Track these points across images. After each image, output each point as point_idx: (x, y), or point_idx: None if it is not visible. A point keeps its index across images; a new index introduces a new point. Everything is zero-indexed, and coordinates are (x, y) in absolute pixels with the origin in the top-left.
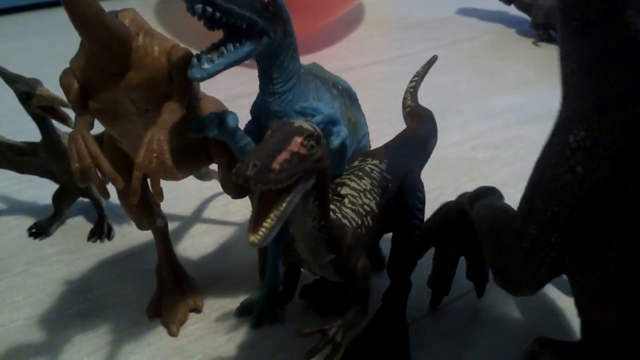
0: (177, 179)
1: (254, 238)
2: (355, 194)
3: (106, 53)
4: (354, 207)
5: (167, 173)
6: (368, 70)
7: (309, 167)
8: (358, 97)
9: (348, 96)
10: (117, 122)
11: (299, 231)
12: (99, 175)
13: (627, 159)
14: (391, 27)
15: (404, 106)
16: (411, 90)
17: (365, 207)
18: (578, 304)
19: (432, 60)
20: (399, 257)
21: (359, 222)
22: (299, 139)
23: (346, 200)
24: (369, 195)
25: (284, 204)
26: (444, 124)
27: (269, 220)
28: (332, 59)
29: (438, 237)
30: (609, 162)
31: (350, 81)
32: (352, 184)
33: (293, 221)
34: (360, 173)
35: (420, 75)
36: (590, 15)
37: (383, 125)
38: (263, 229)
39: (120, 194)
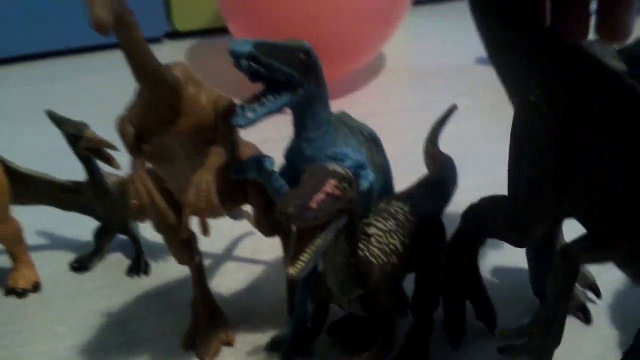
0: (220, 216)
1: (292, 270)
2: (381, 234)
3: (160, 101)
4: (380, 246)
5: (213, 211)
6: (390, 116)
7: (342, 207)
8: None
9: (373, 142)
10: (166, 164)
11: (329, 267)
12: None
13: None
14: (411, 75)
15: (425, 152)
16: (432, 136)
17: (390, 246)
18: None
19: (452, 109)
20: (422, 296)
21: (385, 260)
22: (333, 182)
23: (373, 239)
24: (393, 235)
25: (320, 240)
26: (463, 169)
27: (305, 255)
28: (355, 105)
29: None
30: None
31: (373, 127)
32: (379, 224)
33: (325, 257)
34: (385, 214)
35: (440, 123)
36: (509, 32)
37: (406, 170)
38: (300, 262)
39: (165, 231)
